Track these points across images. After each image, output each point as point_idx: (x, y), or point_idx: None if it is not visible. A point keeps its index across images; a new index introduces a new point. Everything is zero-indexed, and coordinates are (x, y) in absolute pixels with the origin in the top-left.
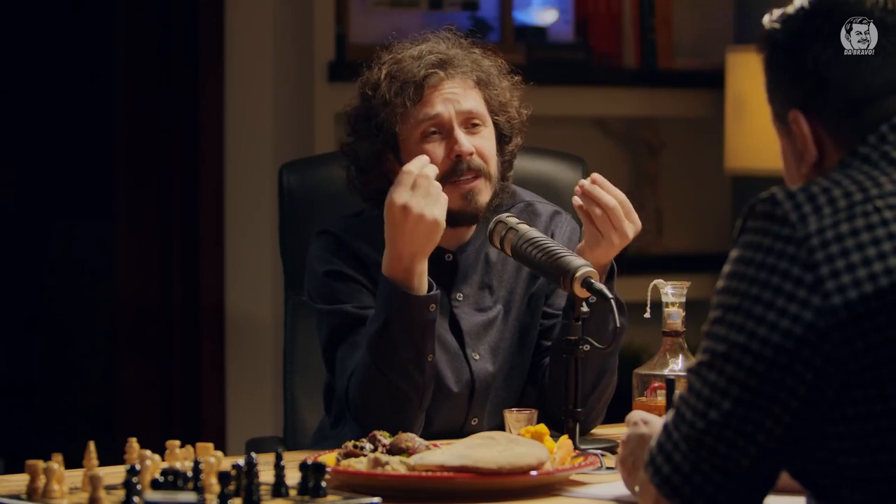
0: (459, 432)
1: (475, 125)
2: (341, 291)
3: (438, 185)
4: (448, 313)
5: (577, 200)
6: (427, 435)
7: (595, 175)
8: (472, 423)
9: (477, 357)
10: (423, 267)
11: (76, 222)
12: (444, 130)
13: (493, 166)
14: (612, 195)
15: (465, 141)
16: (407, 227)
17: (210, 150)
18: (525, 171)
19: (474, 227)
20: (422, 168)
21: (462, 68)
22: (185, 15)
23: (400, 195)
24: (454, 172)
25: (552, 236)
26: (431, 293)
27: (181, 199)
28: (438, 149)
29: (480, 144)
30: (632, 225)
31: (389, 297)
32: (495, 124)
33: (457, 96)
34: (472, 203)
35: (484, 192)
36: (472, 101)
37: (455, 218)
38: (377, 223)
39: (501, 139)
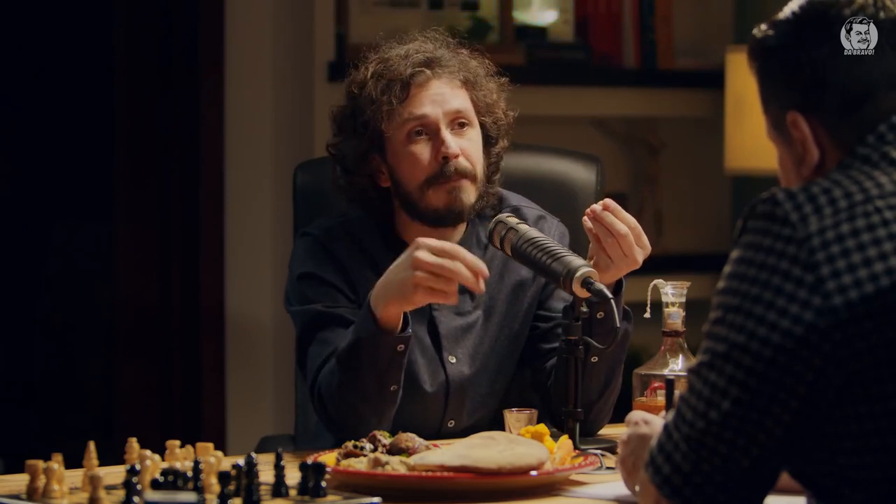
0: (437, 434)
1: (462, 125)
2: (313, 293)
3: (455, 290)
4: (427, 316)
5: (587, 223)
6: None
7: (607, 201)
8: (449, 424)
9: (453, 360)
10: (395, 311)
11: (76, 222)
12: (430, 131)
13: (479, 168)
14: (623, 222)
15: (452, 142)
16: (396, 271)
17: (210, 150)
18: (539, 171)
19: (459, 231)
20: (473, 264)
21: (449, 68)
22: (185, 15)
23: (423, 249)
24: (440, 174)
25: None
26: (402, 334)
27: (181, 199)
28: (425, 150)
29: (467, 146)
30: (641, 250)
31: (364, 321)
32: (482, 126)
33: (444, 97)
34: (457, 201)
35: (469, 192)
36: (459, 100)
37: (440, 217)
38: (360, 225)
39: (488, 141)
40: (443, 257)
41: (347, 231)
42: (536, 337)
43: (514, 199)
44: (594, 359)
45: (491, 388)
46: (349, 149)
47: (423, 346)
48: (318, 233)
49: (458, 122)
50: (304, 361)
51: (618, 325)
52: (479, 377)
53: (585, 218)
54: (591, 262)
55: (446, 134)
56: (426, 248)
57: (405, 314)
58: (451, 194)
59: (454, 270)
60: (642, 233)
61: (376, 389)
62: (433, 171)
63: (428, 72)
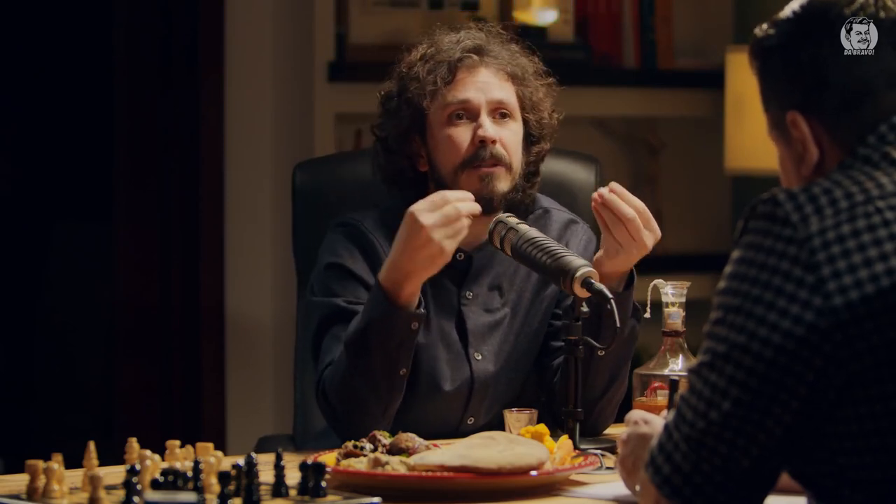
0: (455, 431)
1: (504, 116)
2: (337, 285)
3: (467, 221)
4: (455, 311)
5: (595, 208)
6: (423, 433)
7: (613, 184)
8: (469, 422)
9: (479, 357)
10: (415, 285)
11: (76, 222)
12: (471, 116)
13: (516, 160)
14: (630, 205)
15: (491, 127)
16: (414, 244)
17: (210, 150)
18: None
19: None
20: (460, 198)
21: (499, 59)
22: (185, 15)
23: (422, 213)
24: (475, 158)
25: (566, 245)
26: (417, 311)
27: (181, 199)
28: (464, 133)
29: (506, 135)
30: (651, 234)
31: (376, 302)
32: (525, 122)
33: (488, 85)
34: (489, 187)
35: (502, 181)
36: (505, 92)
37: None
38: (394, 216)
39: (529, 138)
40: (440, 208)
41: (381, 221)
42: (548, 334)
43: (546, 201)
44: (601, 352)
45: (509, 385)
46: (391, 128)
47: (449, 342)
48: (352, 223)
49: (499, 112)
50: (317, 354)
51: (618, 324)
52: (501, 374)
53: (594, 203)
54: (602, 251)
55: (485, 119)
56: (423, 211)
57: (421, 293)
58: (483, 180)
59: (458, 211)
60: (651, 217)
61: (385, 373)
62: (469, 155)
63: (476, 57)
